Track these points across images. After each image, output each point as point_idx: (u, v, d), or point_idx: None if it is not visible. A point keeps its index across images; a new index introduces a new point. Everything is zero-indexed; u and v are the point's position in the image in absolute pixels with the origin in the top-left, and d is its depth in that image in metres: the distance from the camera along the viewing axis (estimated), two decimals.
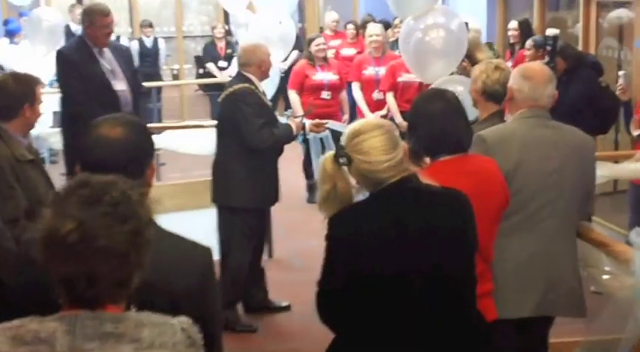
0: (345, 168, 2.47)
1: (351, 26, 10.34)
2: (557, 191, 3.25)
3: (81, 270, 1.62)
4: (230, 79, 5.85)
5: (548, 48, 6.42)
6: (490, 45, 7.28)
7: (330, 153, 2.52)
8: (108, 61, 5.47)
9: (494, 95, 3.81)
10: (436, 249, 2.46)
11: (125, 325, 1.64)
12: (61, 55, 5.52)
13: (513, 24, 8.14)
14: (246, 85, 5.03)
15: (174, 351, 1.66)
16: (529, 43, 6.97)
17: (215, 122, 5.44)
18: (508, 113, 3.53)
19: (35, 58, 7.20)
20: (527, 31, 7.93)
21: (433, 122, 2.86)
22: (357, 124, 2.55)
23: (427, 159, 3.00)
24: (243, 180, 4.96)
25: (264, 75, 5.19)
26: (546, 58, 6.53)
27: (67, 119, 5.45)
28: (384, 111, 7.61)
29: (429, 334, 2.45)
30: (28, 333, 1.64)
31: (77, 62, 5.34)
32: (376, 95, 7.64)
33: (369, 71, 7.75)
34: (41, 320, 1.65)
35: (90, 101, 5.18)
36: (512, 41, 8.11)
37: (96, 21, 5.36)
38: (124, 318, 1.66)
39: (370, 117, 7.44)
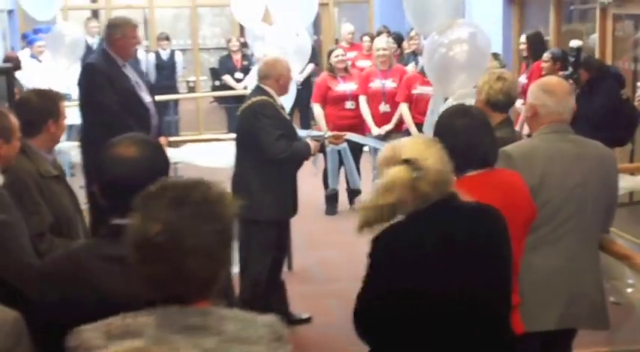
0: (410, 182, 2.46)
1: (366, 38, 10.41)
2: (580, 205, 3.26)
3: (170, 270, 1.68)
4: (248, 91, 5.89)
5: (572, 59, 6.43)
6: (496, 55, 7.28)
7: (402, 166, 2.48)
8: (132, 73, 5.53)
9: (498, 105, 3.90)
10: (478, 264, 2.48)
11: (210, 318, 1.71)
12: (92, 68, 5.48)
13: (522, 38, 8.16)
14: (265, 97, 5.07)
15: (257, 345, 1.72)
16: (546, 55, 6.99)
17: (233, 135, 5.48)
18: (531, 130, 3.54)
19: (57, 73, 7.28)
20: (536, 45, 7.93)
21: (459, 137, 2.88)
22: (413, 141, 2.58)
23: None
24: (262, 193, 4.97)
25: (282, 89, 5.21)
26: (569, 70, 6.55)
27: (96, 132, 5.17)
28: (390, 125, 7.68)
29: (464, 349, 2.47)
30: (118, 328, 1.71)
31: (110, 75, 5.34)
32: (382, 108, 7.71)
33: (376, 84, 7.80)
34: (134, 316, 1.72)
35: (124, 113, 5.22)
36: (524, 55, 8.15)
37: (127, 32, 5.42)
38: (209, 312, 1.72)
39: (375, 131, 7.52)
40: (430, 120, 6.77)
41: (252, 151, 5.03)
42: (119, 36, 5.43)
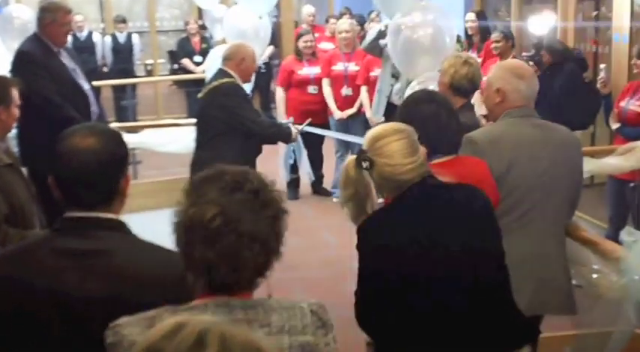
0: (366, 172, 2.49)
1: (333, 20, 10.28)
2: (547, 191, 3.23)
3: (225, 256, 1.63)
4: (208, 74, 5.79)
5: (535, 41, 6.40)
6: (458, 38, 7.23)
7: (352, 157, 2.54)
8: (67, 60, 5.27)
9: (461, 89, 3.85)
10: (469, 244, 2.46)
11: (255, 311, 1.67)
12: (25, 55, 5.15)
13: (471, 16, 7.99)
14: (231, 79, 5.04)
15: (303, 334, 1.69)
16: (497, 35, 6.91)
17: (193, 120, 5.38)
18: (494, 114, 3.46)
19: (3, 57, 7.04)
20: (483, 23, 7.86)
21: (425, 124, 2.81)
22: (378, 129, 2.56)
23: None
24: None
25: (243, 74, 5.14)
26: (532, 51, 6.53)
27: (35, 123, 4.81)
28: (353, 109, 7.64)
29: (466, 331, 2.44)
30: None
31: (45, 63, 5.07)
32: (345, 91, 7.65)
33: (339, 67, 7.74)
34: (174, 310, 1.66)
35: (65, 102, 5.03)
36: (470, 33, 7.95)
37: (58, 18, 5.13)
38: (253, 305, 1.68)
39: (337, 115, 7.48)
40: (377, 100, 6.76)
41: (220, 134, 4.98)
42: (49, 21, 5.14)
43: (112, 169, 2.10)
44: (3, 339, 1.98)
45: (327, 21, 10.63)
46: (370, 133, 2.55)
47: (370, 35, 6.95)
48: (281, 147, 6.12)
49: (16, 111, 3.51)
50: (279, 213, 1.70)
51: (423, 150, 2.52)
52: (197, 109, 5.42)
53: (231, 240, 1.62)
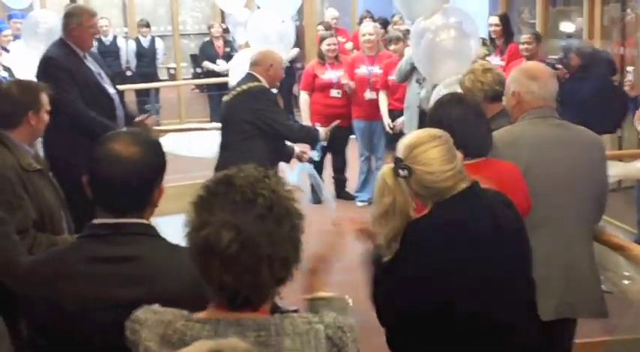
0: (402, 180, 2.43)
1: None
2: (568, 192, 3.19)
3: (245, 279, 1.58)
4: (233, 78, 5.83)
5: (563, 44, 6.35)
6: (483, 41, 7.15)
7: (388, 166, 2.47)
8: (93, 64, 5.28)
9: (495, 96, 3.77)
10: (508, 267, 2.46)
11: (267, 334, 1.61)
12: (50, 60, 5.15)
13: (494, 19, 7.73)
14: (260, 83, 5.12)
15: None
16: (527, 36, 6.81)
17: (216, 124, 5.42)
18: (514, 118, 3.43)
19: (27, 63, 7.06)
20: (508, 26, 7.76)
21: (454, 126, 2.78)
22: (413, 136, 2.50)
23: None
24: None
25: (271, 80, 5.21)
26: (559, 54, 6.47)
27: (60, 128, 4.75)
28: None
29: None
30: (174, 334, 1.62)
31: (71, 68, 5.07)
32: (368, 95, 7.58)
33: (362, 70, 7.68)
34: (188, 319, 1.64)
35: (89, 109, 5.03)
36: (493, 36, 7.73)
37: (84, 22, 5.13)
38: (266, 326, 1.62)
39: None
40: (408, 116, 6.70)
41: (249, 136, 5.05)
42: (75, 25, 5.13)
43: (148, 180, 2.10)
44: (40, 347, 1.99)
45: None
46: (405, 141, 2.49)
47: (404, 64, 6.85)
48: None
49: (46, 117, 3.53)
50: (295, 222, 1.63)
51: (460, 155, 2.49)
52: (223, 112, 5.44)
53: (250, 263, 1.57)
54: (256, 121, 5.05)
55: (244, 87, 5.13)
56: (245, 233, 1.56)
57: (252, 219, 1.57)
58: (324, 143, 5.83)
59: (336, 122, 5.81)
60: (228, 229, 1.56)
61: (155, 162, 2.13)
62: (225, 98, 5.39)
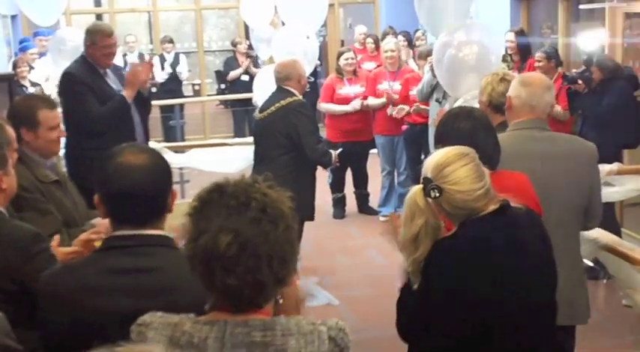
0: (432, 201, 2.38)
1: (370, 40, 10.31)
2: (545, 204, 3.09)
3: (246, 280, 1.62)
4: (261, 93, 5.90)
5: (585, 57, 6.33)
6: (504, 57, 7.12)
7: (417, 187, 2.42)
8: (113, 81, 5.33)
9: (498, 106, 3.78)
10: (539, 273, 2.45)
11: (272, 333, 1.66)
12: (68, 75, 5.20)
13: (510, 35, 7.65)
14: (298, 98, 5.25)
15: None
16: (540, 54, 6.82)
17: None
18: (508, 123, 3.47)
19: (50, 80, 7.16)
20: (523, 42, 7.70)
21: (463, 140, 2.78)
22: (440, 155, 2.44)
23: None
24: (300, 192, 4.96)
25: (302, 90, 5.36)
26: (581, 68, 6.46)
27: (81, 142, 5.04)
28: None
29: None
30: (182, 336, 1.66)
31: (90, 83, 5.12)
32: (390, 110, 7.59)
33: (384, 86, 7.73)
34: (195, 321, 1.68)
35: (99, 108, 5.06)
36: (510, 52, 7.62)
37: (97, 41, 5.16)
38: (271, 326, 1.67)
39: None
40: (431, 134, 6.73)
41: (285, 150, 5.20)
42: (89, 43, 5.20)
43: (162, 185, 2.13)
44: None
45: (363, 41, 10.61)
46: (433, 160, 2.43)
47: (425, 87, 6.91)
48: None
49: (50, 134, 3.45)
50: (289, 223, 1.67)
51: (487, 172, 2.45)
52: (259, 127, 5.52)
53: (250, 263, 1.61)
54: (293, 136, 5.18)
55: (283, 102, 5.22)
56: (242, 235, 1.60)
57: (247, 221, 1.61)
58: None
59: (340, 150, 5.80)
60: (225, 233, 1.60)
61: (164, 165, 2.17)
62: (259, 115, 5.45)
